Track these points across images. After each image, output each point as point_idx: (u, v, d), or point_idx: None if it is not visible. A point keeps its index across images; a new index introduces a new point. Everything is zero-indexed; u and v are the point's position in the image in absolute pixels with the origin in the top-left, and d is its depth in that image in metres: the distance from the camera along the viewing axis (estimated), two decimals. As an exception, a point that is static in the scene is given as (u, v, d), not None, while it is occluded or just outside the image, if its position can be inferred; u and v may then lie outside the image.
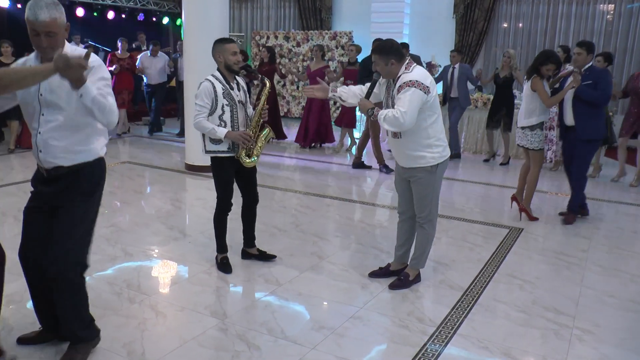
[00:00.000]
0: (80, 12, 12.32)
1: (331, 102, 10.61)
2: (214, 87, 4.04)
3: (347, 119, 9.51)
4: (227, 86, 4.09)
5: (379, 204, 6.52)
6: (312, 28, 13.50)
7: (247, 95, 4.28)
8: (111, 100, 2.72)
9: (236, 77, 4.21)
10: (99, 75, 2.74)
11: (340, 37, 12.71)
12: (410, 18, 12.35)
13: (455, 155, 8.84)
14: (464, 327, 3.51)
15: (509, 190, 6.86)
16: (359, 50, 9.42)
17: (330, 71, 9.59)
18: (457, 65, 8.95)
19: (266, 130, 4.26)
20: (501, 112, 8.70)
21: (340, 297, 3.93)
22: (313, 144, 9.87)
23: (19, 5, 11.34)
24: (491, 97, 9.11)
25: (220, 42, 4.15)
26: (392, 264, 4.28)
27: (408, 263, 4.21)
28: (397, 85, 3.72)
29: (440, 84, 9.07)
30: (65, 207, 2.87)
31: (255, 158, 4.21)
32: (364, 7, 12.52)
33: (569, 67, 8.04)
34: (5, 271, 4.15)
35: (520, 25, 11.81)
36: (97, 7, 12.68)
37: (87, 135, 2.87)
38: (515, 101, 8.71)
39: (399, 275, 4.14)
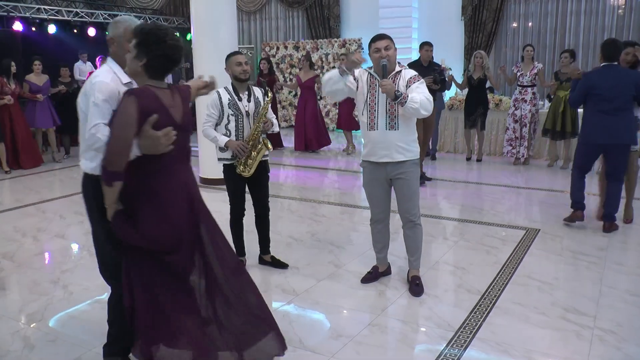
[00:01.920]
0: (92, 32, 12.50)
1: (320, 104, 11.11)
2: (220, 98, 4.24)
3: (350, 121, 9.96)
4: (235, 97, 4.25)
5: (393, 210, 6.49)
6: (321, 37, 13.55)
7: (259, 107, 4.34)
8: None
9: (252, 87, 4.35)
10: None
11: (350, 44, 12.75)
12: (419, 22, 12.34)
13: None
14: (482, 331, 3.48)
15: (524, 191, 6.84)
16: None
17: (320, 80, 9.94)
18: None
19: (261, 145, 4.27)
20: (478, 112, 8.95)
21: (358, 305, 3.92)
22: (313, 150, 10.24)
23: (33, 29, 11.55)
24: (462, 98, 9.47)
25: (228, 56, 4.36)
26: (379, 267, 4.35)
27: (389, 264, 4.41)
28: (407, 77, 3.87)
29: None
30: None
31: (249, 169, 4.26)
32: (372, 14, 12.53)
33: (538, 65, 8.48)
34: (27, 290, 4.23)
35: (530, 24, 11.74)
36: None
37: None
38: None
39: (414, 281, 4.13)
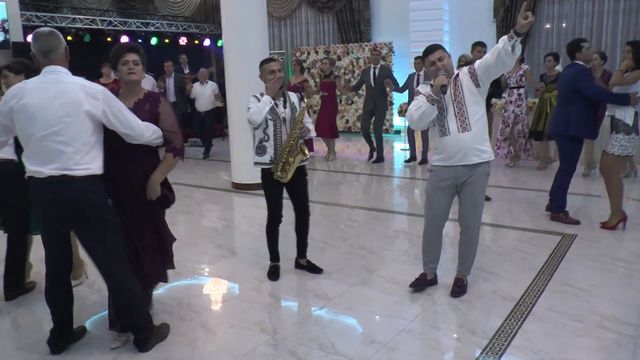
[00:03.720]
0: (124, 39, 12.71)
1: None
2: (258, 101, 4.23)
3: (331, 129, 9.99)
4: (272, 102, 4.23)
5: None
6: (352, 41, 13.55)
7: (296, 112, 4.32)
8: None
9: (287, 93, 4.35)
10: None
11: (380, 48, 12.71)
12: (450, 25, 12.24)
13: (413, 158, 9.55)
14: (518, 339, 3.42)
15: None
16: (332, 62, 10.22)
17: (309, 85, 10.37)
18: (422, 72, 9.03)
19: (298, 151, 4.26)
20: None
21: (391, 311, 3.89)
22: None
23: (69, 38, 11.81)
24: None
25: (261, 63, 4.34)
26: (427, 274, 4.23)
27: (459, 270, 4.21)
28: (466, 71, 3.87)
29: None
30: None
31: (287, 174, 4.25)
32: (403, 17, 12.48)
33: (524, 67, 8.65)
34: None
35: (564, 25, 11.52)
36: (141, 34, 13.06)
37: None
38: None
39: (457, 283, 4.12)
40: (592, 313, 3.72)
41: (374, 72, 9.51)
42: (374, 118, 9.66)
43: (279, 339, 3.52)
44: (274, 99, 4.25)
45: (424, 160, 9.27)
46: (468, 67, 3.89)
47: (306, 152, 4.30)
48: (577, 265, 4.61)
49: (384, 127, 12.79)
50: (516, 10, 11.64)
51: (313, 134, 4.42)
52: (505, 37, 3.55)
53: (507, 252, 4.98)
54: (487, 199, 6.45)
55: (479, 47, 7.19)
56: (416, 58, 9.15)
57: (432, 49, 3.86)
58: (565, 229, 5.54)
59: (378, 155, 9.74)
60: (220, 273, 4.74)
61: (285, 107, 4.28)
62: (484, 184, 3.95)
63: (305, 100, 4.37)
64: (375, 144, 9.75)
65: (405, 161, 9.62)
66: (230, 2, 7.55)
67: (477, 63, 3.81)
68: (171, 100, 10.65)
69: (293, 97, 4.37)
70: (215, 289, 4.46)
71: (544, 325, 3.58)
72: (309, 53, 13.73)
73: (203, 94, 10.66)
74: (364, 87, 9.95)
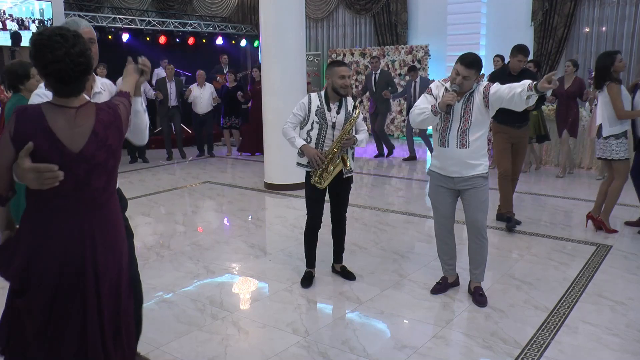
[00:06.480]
0: (162, 39, 12.94)
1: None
2: (310, 103, 4.22)
3: None
4: (325, 106, 4.20)
5: (458, 220, 6.38)
6: (388, 43, 13.52)
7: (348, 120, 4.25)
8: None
9: (345, 99, 4.28)
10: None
11: (417, 51, 12.65)
12: (487, 28, 12.13)
13: (412, 157, 10.30)
14: (550, 350, 3.38)
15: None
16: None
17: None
18: (417, 80, 9.97)
19: (339, 161, 4.19)
20: None
21: (422, 316, 3.89)
22: None
23: (109, 37, 12.09)
24: None
25: (332, 64, 4.27)
26: (448, 278, 4.29)
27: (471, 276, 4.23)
28: (481, 89, 3.85)
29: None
30: None
31: (324, 182, 4.21)
32: (440, 21, 12.41)
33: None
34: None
35: (604, 29, 11.28)
36: (179, 34, 13.27)
37: None
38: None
39: (478, 292, 4.11)
40: (629, 327, 3.65)
41: (375, 77, 10.30)
42: (377, 119, 10.51)
43: (311, 340, 3.55)
44: (329, 102, 4.21)
45: (413, 157, 10.25)
46: (484, 86, 3.86)
47: (347, 163, 4.18)
48: (613, 277, 4.53)
49: (416, 131, 12.82)
50: (555, 14, 11.47)
51: (363, 144, 4.31)
52: (528, 83, 3.57)
53: (541, 261, 4.92)
54: (518, 222, 5.96)
55: (521, 56, 5.97)
56: (409, 69, 10.23)
57: (468, 64, 3.74)
58: (600, 239, 5.44)
59: (379, 150, 10.64)
60: (252, 272, 4.80)
61: (338, 113, 4.21)
62: (483, 186, 3.99)
63: (357, 110, 4.24)
64: (383, 141, 10.66)
65: (404, 159, 10.36)
66: (269, 3, 7.62)
67: (493, 89, 3.80)
68: (173, 104, 10.58)
69: (350, 104, 4.28)
70: (247, 288, 4.51)
71: (578, 338, 3.53)
72: (344, 55, 13.74)
73: (202, 96, 10.72)
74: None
